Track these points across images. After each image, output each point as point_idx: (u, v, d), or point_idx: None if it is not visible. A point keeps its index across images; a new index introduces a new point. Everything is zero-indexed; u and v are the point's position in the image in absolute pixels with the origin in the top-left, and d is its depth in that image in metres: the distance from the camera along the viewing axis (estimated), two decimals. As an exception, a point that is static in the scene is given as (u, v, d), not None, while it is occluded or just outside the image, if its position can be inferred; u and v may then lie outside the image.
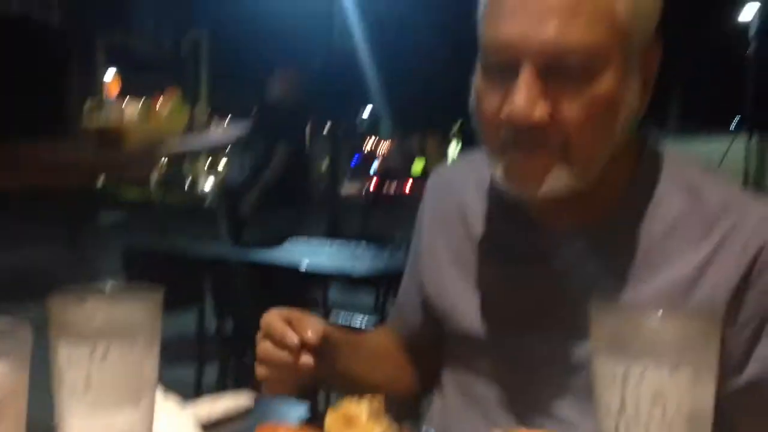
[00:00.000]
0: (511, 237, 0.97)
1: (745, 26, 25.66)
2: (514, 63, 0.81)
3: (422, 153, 66.32)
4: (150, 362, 0.66)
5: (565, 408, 0.91)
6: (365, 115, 52.42)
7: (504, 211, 0.98)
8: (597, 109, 0.81)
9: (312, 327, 0.91)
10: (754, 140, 22.99)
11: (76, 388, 0.61)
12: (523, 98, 0.80)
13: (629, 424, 0.57)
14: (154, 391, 0.67)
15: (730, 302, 0.85)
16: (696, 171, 0.93)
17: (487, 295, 0.98)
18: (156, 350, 0.67)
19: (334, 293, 3.42)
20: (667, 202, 0.90)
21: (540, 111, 0.80)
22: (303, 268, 2.92)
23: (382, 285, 3.67)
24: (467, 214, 1.02)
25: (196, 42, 18.75)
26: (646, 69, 0.87)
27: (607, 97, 0.81)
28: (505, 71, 0.82)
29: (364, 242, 3.90)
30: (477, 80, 0.87)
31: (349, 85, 21.49)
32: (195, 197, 19.58)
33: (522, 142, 0.82)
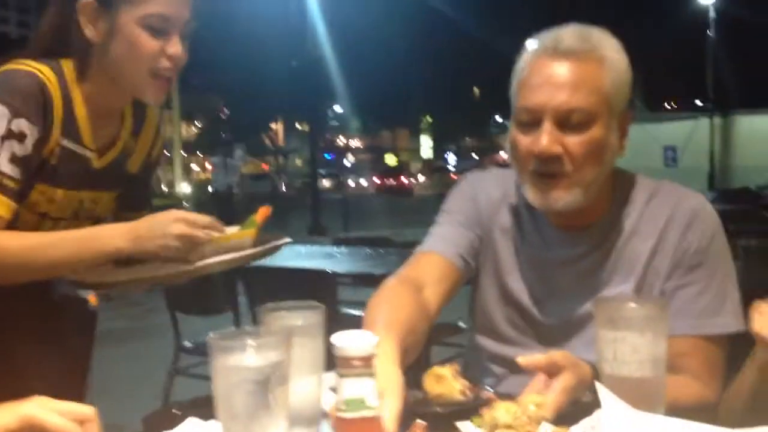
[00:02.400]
0: (530, 232, 1.43)
1: (704, 9, 26.25)
2: (539, 119, 1.28)
3: (393, 148, 65.95)
4: (322, 349, 1.06)
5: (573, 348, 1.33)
6: (335, 113, 52.53)
7: (526, 214, 1.44)
8: (592, 148, 1.28)
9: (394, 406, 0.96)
10: (717, 120, 23.63)
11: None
12: (546, 140, 1.26)
13: (619, 367, 1.00)
14: (322, 365, 1.07)
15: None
16: (653, 182, 1.41)
17: (511, 268, 1.44)
18: (323, 341, 1.06)
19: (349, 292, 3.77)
20: (635, 204, 1.38)
21: (556, 148, 1.27)
22: (329, 269, 3.31)
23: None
24: (492, 212, 1.46)
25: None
26: (622, 124, 1.34)
27: (598, 141, 1.28)
28: (532, 125, 1.29)
29: (368, 248, 4.32)
30: (512, 131, 1.34)
31: (320, 86, 21.83)
32: (174, 200, 19.66)
33: (546, 169, 1.29)
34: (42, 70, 1.35)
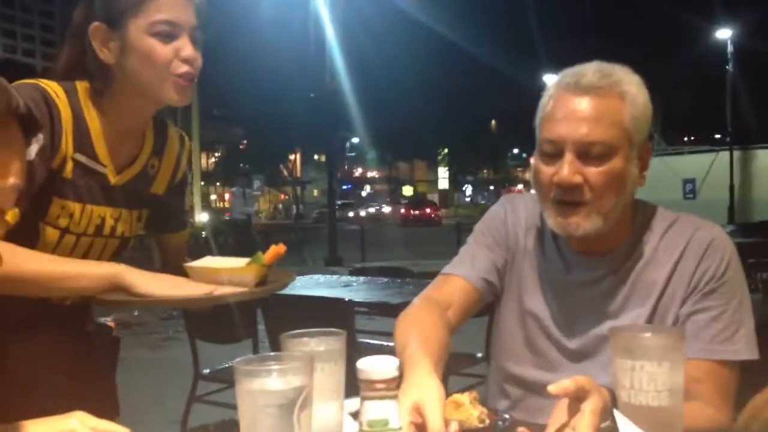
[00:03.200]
0: (552, 256, 1.47)
1: (723, 43, 26.28)
2: (561, 150, 1.33)
3: (411, 179, 66.12)
4: (343, 374, 1.08)
5: (590, 369, 1.37)
6: (353, 145, 52.88)
7: (550, 239, 1.48)
8: (612, 178, 1.33)
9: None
10: (736, 154, 23.50)
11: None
12: (567, 170, 1.32)
13: (636, 396, 1.01)
14: (343, 391, 1.09)
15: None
16: (672, 213, 1.45)
17: (533, 288, 1.48)
18: (343, 366, 1.09)
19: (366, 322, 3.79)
20: (653, 233, 1.42)
21: (577, 178, 1.32)
22: (346, 298, 3.33)
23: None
24: (520, 235, 1.52)
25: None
26: (643, 156, 1.38)
27: (618, 172, 1.33)
28: (555, 156, 1.34)
29: (385, 277, 4.34)
30: (535, 160, 1.39)
31: (337, 118, 22.02)
32: (193, 228, 19.80)
33: (567, 198, 1.34)
34: (49, 84, 1.38)
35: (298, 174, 49.68)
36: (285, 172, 47.30)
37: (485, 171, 62.62)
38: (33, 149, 1.31)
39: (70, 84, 1.42)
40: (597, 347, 1.40)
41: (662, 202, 1.53)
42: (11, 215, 1.27)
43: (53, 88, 1.38)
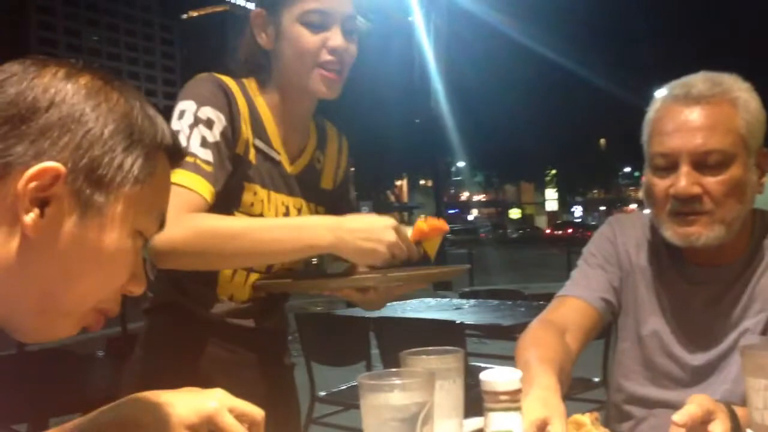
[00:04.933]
0: (669, 271, 1.44)
1: None
2: (675, 162, 1.30)
3: (518, 202, 65.32)
4: (461, 392, 1.09)
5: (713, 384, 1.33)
6: (458, 169, 52.85)
7: (665, 254, 1.45)
8: (732, 186, 1.29)
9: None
10: None
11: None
12: (685, 181, 1.29)
13: (770, 416, 0.97)
14: (462, 409, 1.10)
15: None
16: None
17: (650, 307, 1.45)
18: (462, 385, 1.10)
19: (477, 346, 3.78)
20: None
21: (695, 189, 1.29)
22: (457, 320, 3.34)
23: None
24: (632, 253, 1.48)
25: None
26: (761, 163, 1.34)
27: (738, 180, 1.29)
28: (669, 169, 1.32)
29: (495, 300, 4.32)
30: (647, 175, 1.37)
31: (443, 142, 22.13)
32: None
33: (686, 209, 1.31)
34: (221, 76, 1.42)
35: (405, 199, 50.03)
36: (392, 198, 47.77)
37: (595, 191, 60.96)
38: (217, 129, 1.32)
39: (238, 80, 1.45)
40: (721, 361, 1.35)
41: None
42: (210, 196, 1.27)
43: (226, 80, 1.42)
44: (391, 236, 1.29)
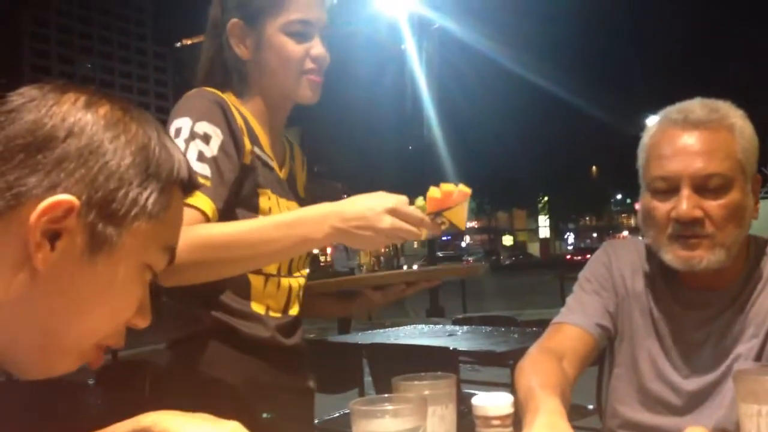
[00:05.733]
0: (664, 296, 1.44)
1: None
2: (676, 186, 1.32)
3: (510, 228, 65.54)
4: (454, 417, 1.09)
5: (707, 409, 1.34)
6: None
7: (660, 279, 1.45)
8: (731, 211, 1.30)
9: None
10: None
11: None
12: (686, 204, 1.30)
13: (763, 442, 0.97)
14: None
15: None
16: None
17: (645, 332, 1.45)
18: (455, 410, 1.10)
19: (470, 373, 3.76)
20: (766, 263, 1.40)
21: (697, 212, 1.30)
22: (451, 347, 3.32)
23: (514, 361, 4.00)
24: (627, 278, 1.49)
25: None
26: (755, 188, 1.37)
27: (737, 204, 1.31)
28: (669, 192, 1.33)
29: (488, 326, 4.30)
30: (645, 199, 1.37)
31: (436, 169, 22.23)
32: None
33: (687, 232, 1.31)
34: (212, 90, 1.43)
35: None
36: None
37: (587, 218, 61.17)
38: (214, 144, 1.31)
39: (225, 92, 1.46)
40: (716, 387, 1.35)
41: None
42: (210, 210, 1.24)
43: (217, 93, 1.42)
44: (386, 222, 1.23)
